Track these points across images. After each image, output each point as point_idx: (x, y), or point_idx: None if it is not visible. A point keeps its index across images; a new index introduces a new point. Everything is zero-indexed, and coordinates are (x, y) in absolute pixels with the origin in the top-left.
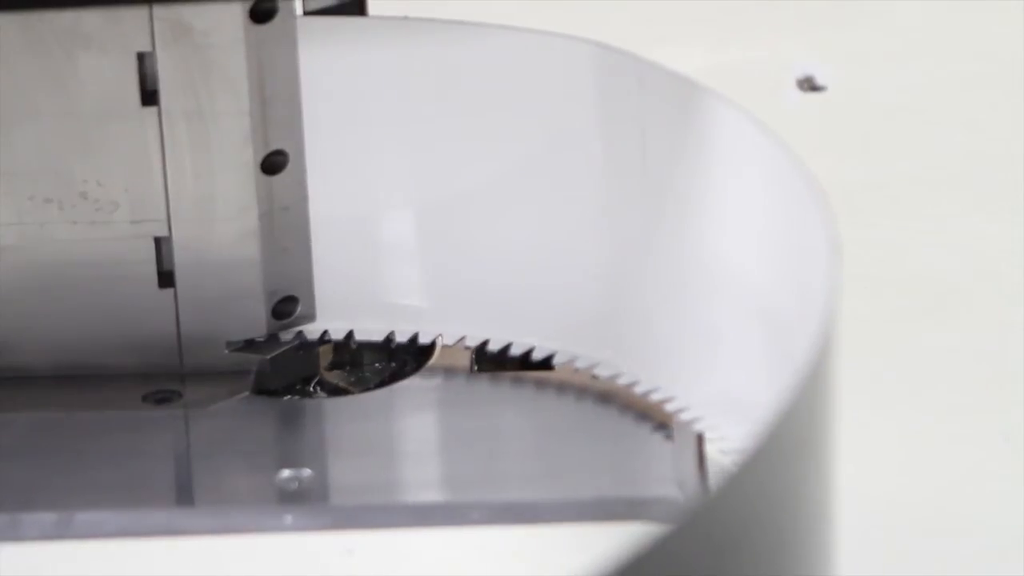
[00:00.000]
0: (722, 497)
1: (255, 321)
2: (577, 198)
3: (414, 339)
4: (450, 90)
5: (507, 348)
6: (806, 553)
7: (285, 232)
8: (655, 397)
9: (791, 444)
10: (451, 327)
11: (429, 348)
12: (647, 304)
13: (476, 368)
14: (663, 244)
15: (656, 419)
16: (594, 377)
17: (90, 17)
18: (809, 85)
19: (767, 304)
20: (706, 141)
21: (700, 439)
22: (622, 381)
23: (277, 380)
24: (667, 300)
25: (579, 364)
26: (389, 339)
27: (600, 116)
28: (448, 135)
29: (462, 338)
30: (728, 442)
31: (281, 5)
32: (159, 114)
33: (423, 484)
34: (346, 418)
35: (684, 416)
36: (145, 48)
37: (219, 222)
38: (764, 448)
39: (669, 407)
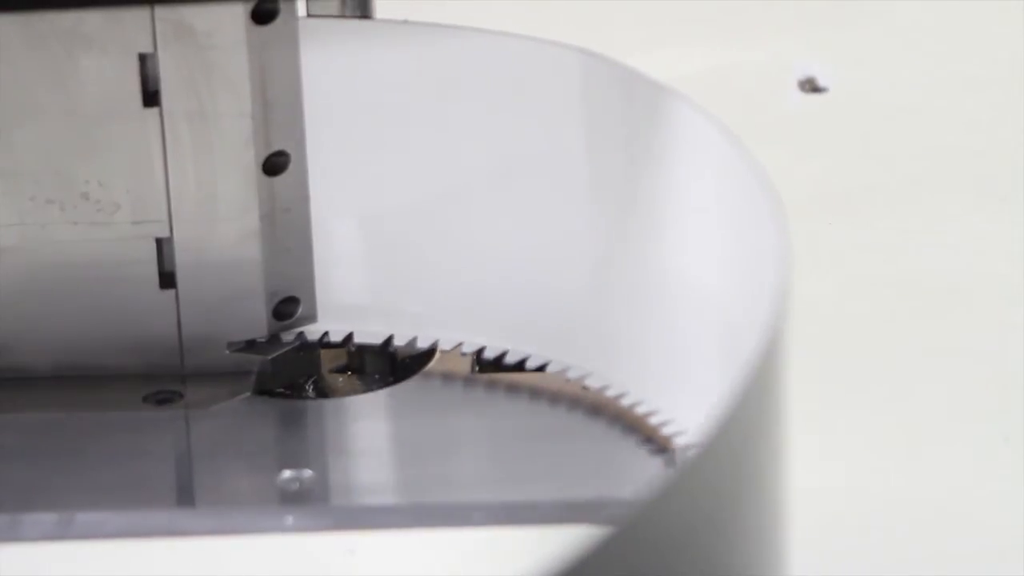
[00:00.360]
0: (668, 497)
1: (256, 322)
2: (563, 206)
3: (412, 343)
4: (434, 96)
5: (502, 356)
6: (757, 552)
7: (286, 233)
8: (640, 409)
9: (738, 443)
10: (445, 334)
11: (428, 354)
12: (633, 315)
13: (477, 369)
14: (645, 255)
15: (642, 430)
16: (584, 388)
17: (91, 18)
18: (811, 86)
19: (726, 311)
20: (665, 143)
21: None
22: (610, 392)
23: (278, 381)
24: (652, 311)
25: (570, 375)
26: (388, 342)
27: (585, 123)
28: (435, 140)
29: (459, 344)
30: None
31: (283, 6)
32: (160, 115)
33: (424, 485)
34: (347, 419)
35: (667, 429)
36: (147, 49)
37: (220, 223)
38: (711, 447)
39: (653, 420)
